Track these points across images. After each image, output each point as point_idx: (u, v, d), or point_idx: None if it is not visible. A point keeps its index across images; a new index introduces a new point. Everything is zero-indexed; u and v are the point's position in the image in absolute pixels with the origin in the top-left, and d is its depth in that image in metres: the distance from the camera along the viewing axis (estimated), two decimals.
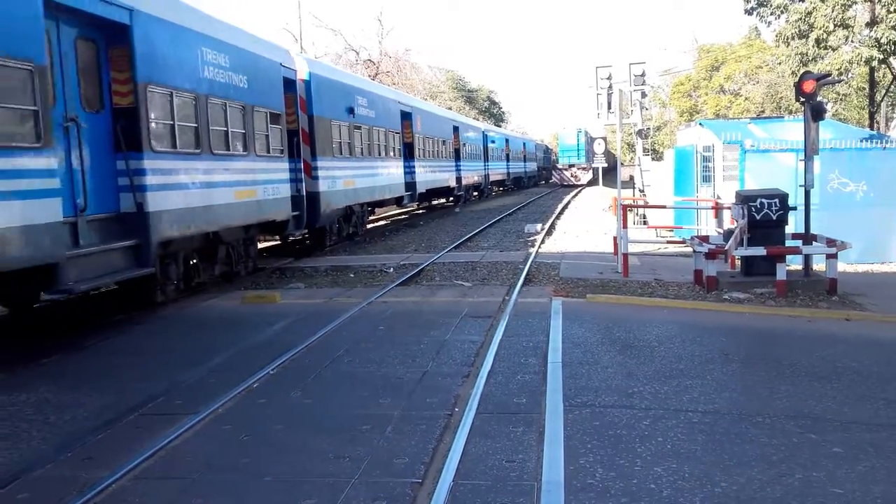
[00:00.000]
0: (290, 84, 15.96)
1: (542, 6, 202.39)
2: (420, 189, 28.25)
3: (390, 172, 24.19)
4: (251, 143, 13.65)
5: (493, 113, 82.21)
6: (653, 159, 37.31)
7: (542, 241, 20.02)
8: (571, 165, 64.89)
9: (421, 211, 35.10)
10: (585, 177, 63.10)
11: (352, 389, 6.96)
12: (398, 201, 26.31)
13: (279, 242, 19.59)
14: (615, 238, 15.07)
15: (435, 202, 36.74)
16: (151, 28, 10.44)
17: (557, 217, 29.31)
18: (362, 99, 21.30)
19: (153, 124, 10.38)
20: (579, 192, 52.23)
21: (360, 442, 5.59)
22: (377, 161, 22.67)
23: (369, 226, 21.72)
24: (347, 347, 8.53)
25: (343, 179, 19.08)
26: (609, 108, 19.62)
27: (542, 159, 75.70)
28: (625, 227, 14.00)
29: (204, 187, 11.86)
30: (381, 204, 24.92)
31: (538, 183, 69.46)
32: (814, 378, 7.23)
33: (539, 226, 24.19)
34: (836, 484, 4.79)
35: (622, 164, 17.74)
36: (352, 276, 14.37)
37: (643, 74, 23.71)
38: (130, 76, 9.95)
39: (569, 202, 39.69)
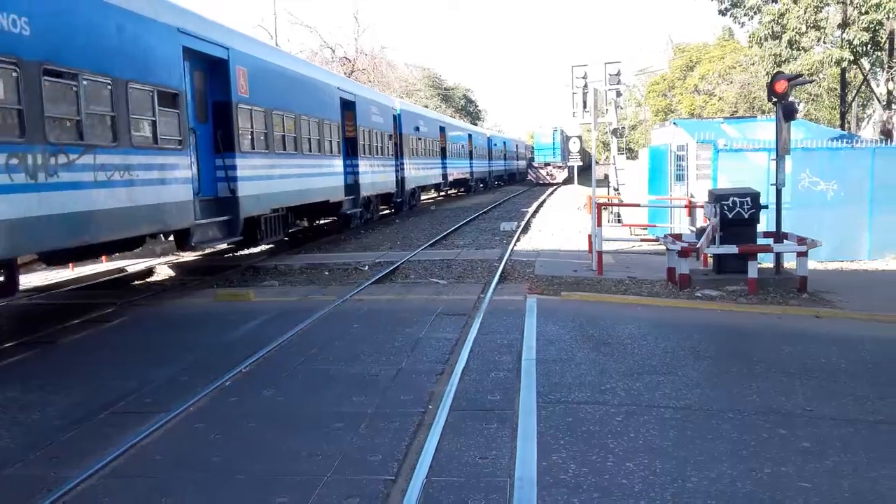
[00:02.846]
0: (394, 117, 28.46)
1: (518, 5, 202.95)
2: (449, 178, 40.84)
3: (434, 167, 36.57)
4: (384, 150, 26.38)
5: (469, 111, 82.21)
6: (627, 158, 37.53)
7: (518, 239, 20.07)
8: (547, 164, 65.20)
9: (441, 197, 45.16)
10: (561, 175, 63.31)
11: (325, 387, 6.93)
12: (436, 187, 40.11)
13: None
14: (590, 236, 15.15)
15: (450, 191, 47.35)
16: (360, 102, 23.10)
17: (533, 215, 29.39)
18: (422, 121, 34.08)
19: (360, 143, 22.78)
20: (555, 190, 52.42)
21: (333, 440, 5.57)
22: (429, 160, 35.34)
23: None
24: (321, 345, 8.49)
25: (414, 171, 31.32)
26: (585, 106, 19.71)
27: (530, 158, 77.16)
28: (599, 225, 14.06)
29: (372, 173, 24.37)
30: (425, 189, 37.62)
31: (526, 178, 73.08)
32: (784, 374, 7.31)
33: (514, 224, 24.26)
34: (805, 478, 4.85)
35: (597, 162, 17.90)
36: (326, 273, 14.32)
37: (618, 74, 23.89)
38: (354, 123, 22.26)
39: (544, 200, 39.82)
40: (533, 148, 73.42)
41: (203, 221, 12.60)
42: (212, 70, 13.30)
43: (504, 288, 12.16)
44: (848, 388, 6.87)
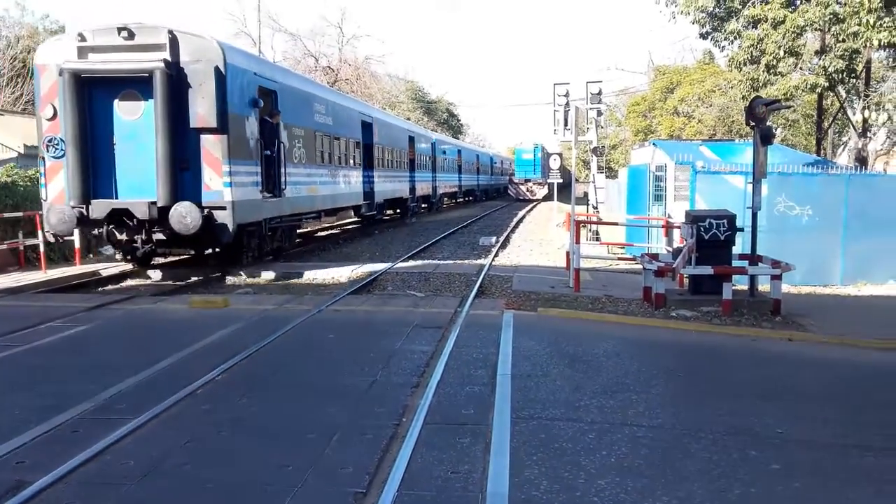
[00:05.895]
0: (432, 145, 41.34)
1: (503, 22, 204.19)
2: (463, 188, 53.97)
3: (453, 179, 49.83)
4: (427, 167, 40.09)
5: (451, 125, 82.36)
6: (607, 177, 37.79)
7: (496, 254, 20.14)
8: (528, 180, 65.42)
9: (450, 203, 53.91)
10: (541, 192, 63.55)
11: (299, 397, 6.89)
12: (453, 196, 52.14)
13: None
14: (568, 253, 15.22)
15: (461, 199, 57.38)
16: (417, 136, 37.30)
17: (512, 231, 29.51)
18: (447, 146, 47.59)
19: (416, 162, 36.34)
20: (535, 206, 52.67)
21: (305, 450, 5.53)
22: (450, 174, 48.57)
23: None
24: (295, 355, 8.45)
25: (442, 182, 44.62)
26: (566, 124, 19.83)
27: (511, 173, 78.11)
28: (577, 242, 14.14)
29: (421, 183, 37.71)
30: (446, 195, 49.35)
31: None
32: (755, 396, 7.38)
33: (493, 238, 24.34)
34: (774, 500, 4.89)
35: (577, 180, 18.21)
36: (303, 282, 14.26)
37: (600, 93, 24.04)
38: (414, 150, 35.66)
39: (523, 216, 40.01)
40: (514, 163, 73.79)
41: (363, 203, 25.70)
42: (364, 127, 25.81)
43: (481, 302, 12.18)
44: (819, 412, 6.95)
